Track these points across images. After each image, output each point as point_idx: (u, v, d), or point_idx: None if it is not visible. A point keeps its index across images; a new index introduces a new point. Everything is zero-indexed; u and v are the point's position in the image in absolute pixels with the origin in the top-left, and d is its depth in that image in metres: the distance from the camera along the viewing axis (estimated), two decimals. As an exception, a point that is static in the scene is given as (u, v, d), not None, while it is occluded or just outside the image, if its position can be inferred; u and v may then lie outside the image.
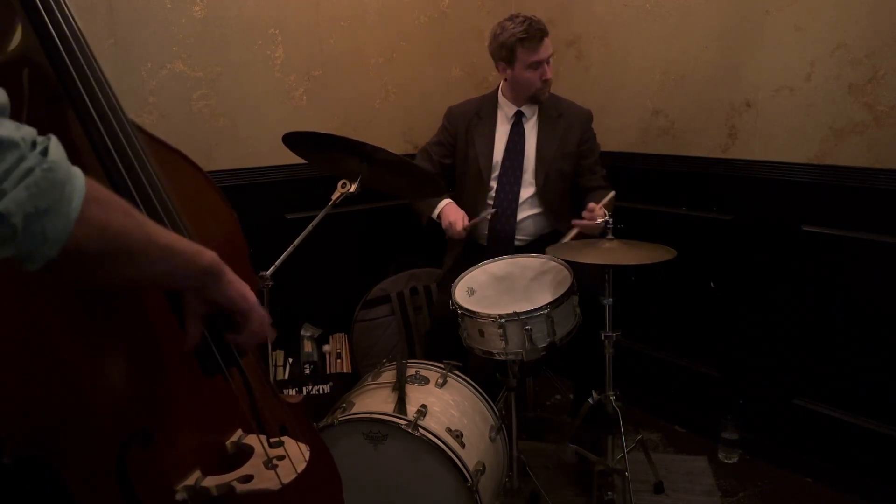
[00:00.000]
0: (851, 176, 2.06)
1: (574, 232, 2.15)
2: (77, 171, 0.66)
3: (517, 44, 2.25)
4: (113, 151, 0.86)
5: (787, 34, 2.15)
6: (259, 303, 0.95)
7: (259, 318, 0.94)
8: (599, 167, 2.46)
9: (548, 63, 2.30)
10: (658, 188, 2.61)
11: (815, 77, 2.11)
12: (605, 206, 2.12)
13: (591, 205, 2.13)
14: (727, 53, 2.32)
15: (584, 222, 2.11)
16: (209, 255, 0.85)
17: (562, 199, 2.45)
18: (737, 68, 2.30)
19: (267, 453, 1.03)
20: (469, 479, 1.68)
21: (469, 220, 2.29)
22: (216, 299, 0.88)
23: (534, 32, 2.23)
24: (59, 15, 0.82)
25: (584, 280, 2.02)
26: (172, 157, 1.04)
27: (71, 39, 0.84)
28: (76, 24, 0.86)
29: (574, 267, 2.01)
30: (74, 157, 0.88)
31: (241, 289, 0.91)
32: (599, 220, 2.07)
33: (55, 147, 0.64)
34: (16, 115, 0.80)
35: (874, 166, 2.01)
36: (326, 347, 2.69)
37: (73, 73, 0.84)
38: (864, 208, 2.05)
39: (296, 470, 1.03)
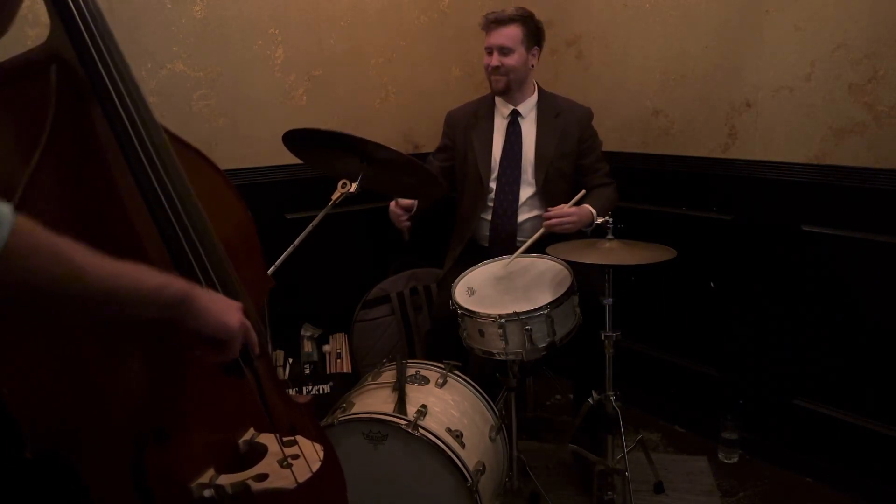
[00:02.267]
0: (851, 176, 2.06)
1: (541, 233, 2.15)
2: (3, 216, 0.63)
3: (484, 25, 2.37)
4: (138, 148, 0.87)
5: (787, 34, 2.15)
6: (244, 322, 0.91)
7: (237, 346, 0.91)
8: (602, 164, 2.44)
9: (503, 54, 2.31)
10: (658, 188, 2.61)
11: (815, 77, 2.11)
12: (576, 203, 2.17)
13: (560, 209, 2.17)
14: (727, 53, 2.32)
15: (552, 222, 2.13)
16: (175, 287, 0.81)
17: (564, 200, 2.44)
18: (737, 68, 2.30)
19: (282, 452, 1.03)
20: (469, 479, 1.68)
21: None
22: (195, 330, 0.84)
23: (490, 18, 2.32)
24: (88, 11, 0.82)
25: (584, 280, 2.02)
26: (192, 155, 1.05)
27: (99, 35, 0.83)
28: (104, 20, 0.85)
29: (574, 267, 2.01)
30: (99, 153, 0.88)
31: (221, 317, 0.86)
32: (568, 219, 2.12)
33: None
34: (42, 111, 0.80)
35: (874, 166, 2.01)
36: (326, 347, 2.69)
37: (101, 70, 0.84)
38: (864, 208, 2.05)
39: (311, 469, 1.02)
